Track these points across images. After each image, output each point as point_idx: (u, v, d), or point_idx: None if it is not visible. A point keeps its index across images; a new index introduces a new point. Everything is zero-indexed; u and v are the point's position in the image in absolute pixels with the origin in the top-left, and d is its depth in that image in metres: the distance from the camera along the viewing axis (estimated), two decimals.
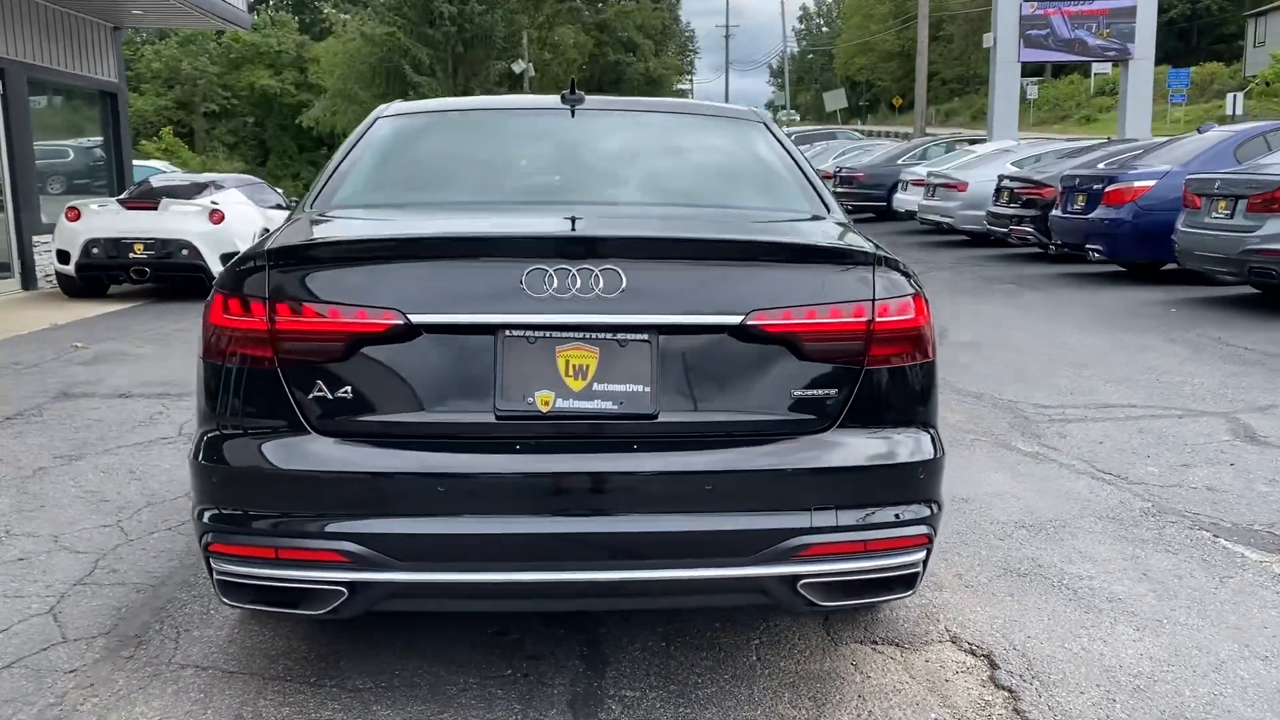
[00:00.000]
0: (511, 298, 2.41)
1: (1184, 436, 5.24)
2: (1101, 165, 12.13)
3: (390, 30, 38.67)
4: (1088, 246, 11.16)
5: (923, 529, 2.56)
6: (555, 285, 2.41)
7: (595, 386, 2.43)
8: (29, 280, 12.55)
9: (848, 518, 2.47)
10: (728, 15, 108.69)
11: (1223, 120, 23.79)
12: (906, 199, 18.06)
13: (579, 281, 2.42)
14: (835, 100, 57.25)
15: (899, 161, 20.44)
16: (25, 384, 6.95)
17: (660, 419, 2.44)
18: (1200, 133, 11.79)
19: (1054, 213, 11.83)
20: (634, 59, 51.34)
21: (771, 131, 3.57)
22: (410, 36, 38.51)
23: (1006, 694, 2.79)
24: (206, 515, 2.51)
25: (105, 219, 11.07)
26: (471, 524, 2.41)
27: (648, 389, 2.43)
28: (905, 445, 2.58)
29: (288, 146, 51.99)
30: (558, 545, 2.43)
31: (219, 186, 12.13)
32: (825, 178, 23.49)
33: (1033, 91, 45.04)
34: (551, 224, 2.81)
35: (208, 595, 3.35)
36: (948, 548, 3.78)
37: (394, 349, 2.42)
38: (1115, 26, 24.16)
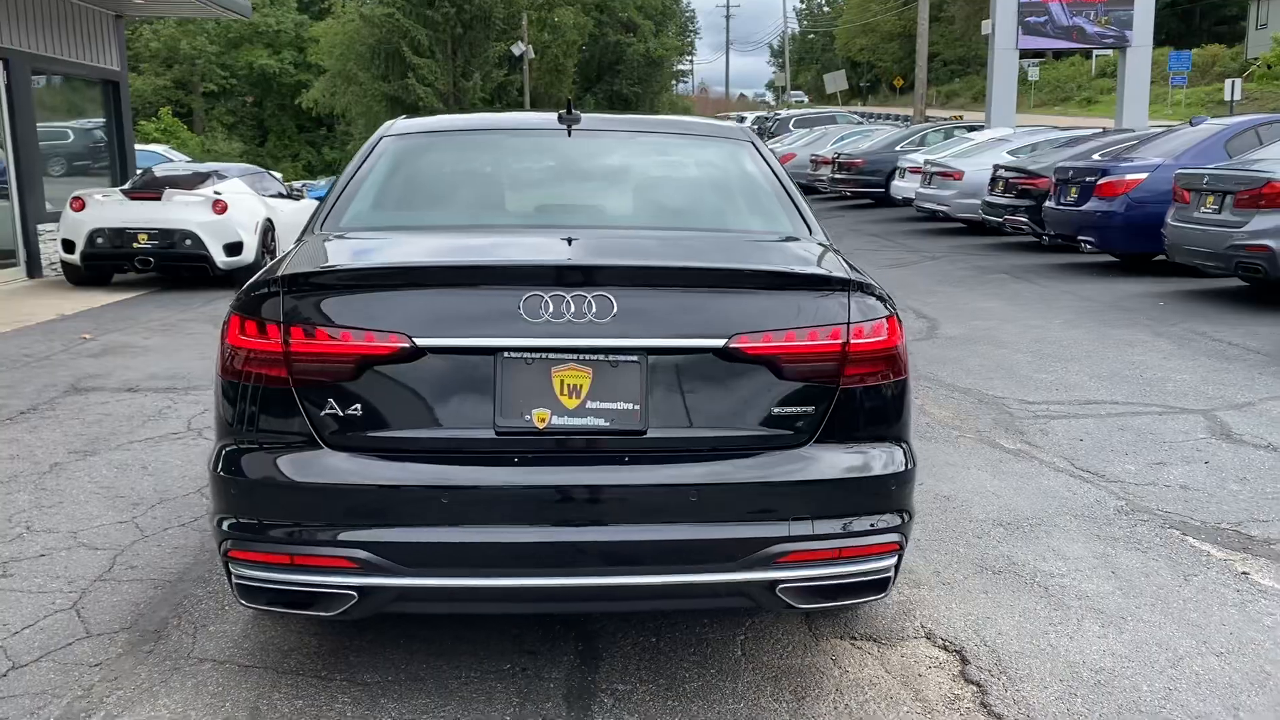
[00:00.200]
0: (510, 322, 2.58)
1: (1163, 434, 5.41)
2: (1095, 157, 12.25)
3: (389, 11, 38.60)
4: (1080, 238, 11.29)
5: (894, 536, 2.74)
6: (551, 310, 2.58)
7: (589, 404, 2.60)
8: (34, 268, 12.70)
9: (823, 527, 2.65)
10: None
11: (1220, 106, 23.81)
12: (904, 186, 18.13)
13: (573, 307, 2.59)
14: (835, 82, 56.88)
15: (897, 148, 20.51)
16: (37, 376, 7.12)
17: (649, 435, 2.61)
18: (1193, 125, 11.90)
19: (1047, 204, 11.95)
20: (634, 39, 51.20)
21: (759, 150, 3.73)
22: (409, 18, 38.44)
23: (975, 688, 2.97)
24: (225, 524, 2.68)
25: (110, 209, 11.22)
26: (473, 532, 2.58)
27: (637, 407, 2.60)
28: (878, 459, 2.75)
29: (287, 126, 51.92)
30: (553, 552, 2.60)
31: (221, 176, 12.26)
32: (824, 164, 23.12)
33: (1034, 73, 44.95)
34: (548, 251, 2.96)
35: (222, 592, 3.53)
36: (927, 545, 3.96)
37: (401, 369, 2.59)
38: (1114, 14, 24.16)
